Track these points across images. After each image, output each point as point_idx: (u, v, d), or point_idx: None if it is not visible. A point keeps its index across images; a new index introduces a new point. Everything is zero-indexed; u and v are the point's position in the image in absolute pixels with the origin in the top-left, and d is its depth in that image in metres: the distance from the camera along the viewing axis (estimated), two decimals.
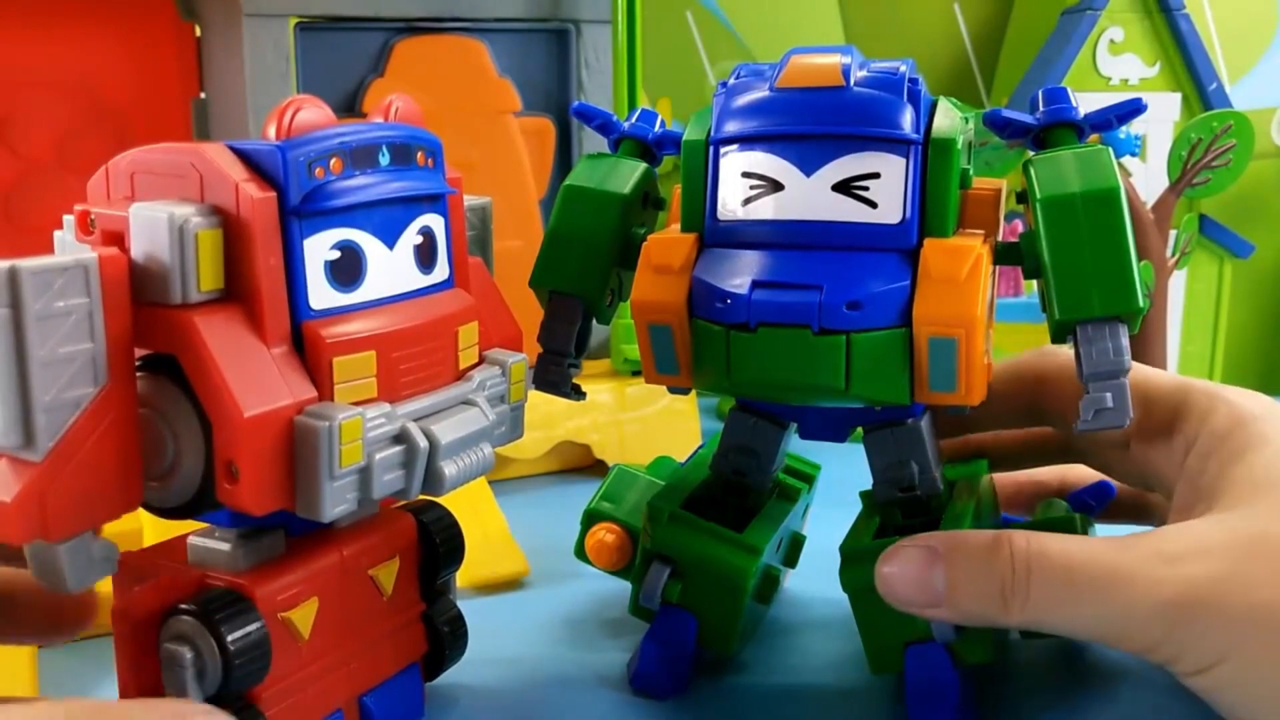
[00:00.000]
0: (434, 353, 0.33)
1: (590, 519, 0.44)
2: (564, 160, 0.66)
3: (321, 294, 0.31)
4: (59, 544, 0.29)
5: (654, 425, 0.63)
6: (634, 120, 0.41)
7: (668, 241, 0.36)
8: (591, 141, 0.65)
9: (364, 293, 0.32)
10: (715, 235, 0.36)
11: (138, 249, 0.29)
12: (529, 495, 0.60)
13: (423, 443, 0.32)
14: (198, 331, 0.29)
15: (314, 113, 0.31)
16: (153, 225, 0.29)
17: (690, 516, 0.40)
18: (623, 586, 0.48)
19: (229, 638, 0.30)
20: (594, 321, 0.40)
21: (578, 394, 0.41)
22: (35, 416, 0.27)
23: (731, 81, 0.36)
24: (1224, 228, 0.74)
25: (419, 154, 0.34)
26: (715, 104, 0.36)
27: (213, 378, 0.29)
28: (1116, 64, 0.72)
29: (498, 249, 0.41)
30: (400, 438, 0.32)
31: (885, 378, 0.34)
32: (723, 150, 0.36)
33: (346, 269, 0.32)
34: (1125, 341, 0.33)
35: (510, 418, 0.36)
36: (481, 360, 0.36)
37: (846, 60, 0.35)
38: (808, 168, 0.34)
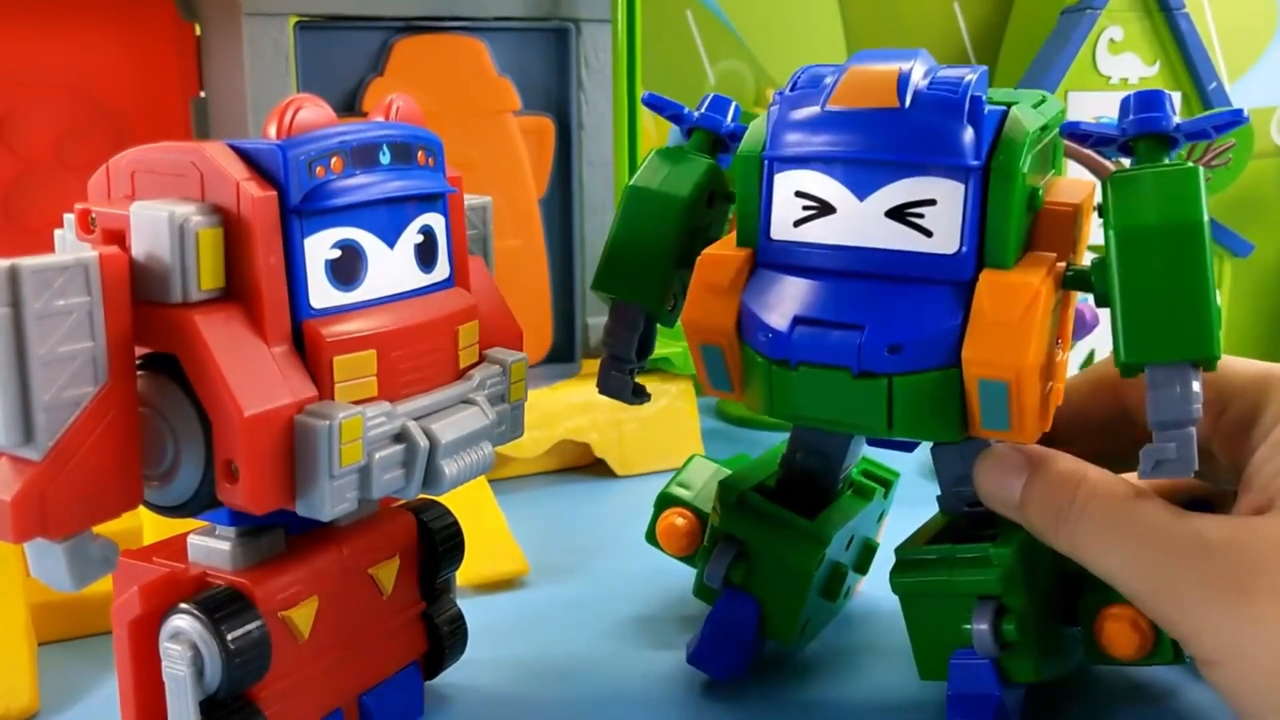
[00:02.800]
0: (434, 352, 0.33)
1: (663, 503, 0.44)
2: (563, 160, 0.66)
3: (322, 293, 0.31)
4: (60, 543, 0.29)
5: (654, 424, 0.63)
6: (704, 109, 0.40)
7: (720, 259, 0.35)
8: (592, 142, 0.65)
9: (364, 292, 0.32)
10: (768, 254, 0.34)
11: (138, 248, 0.29)
12: (529, 494, 0.60)
13: (423, 442, 0.32)
14: (198, 330, 0.29)
15: (314, 112, 0.31)
16: (153, 224, 0.29)
17: (761, 500, 0.40)
18: (622, 586, 0.48)
19: (229, 636, 0.31)
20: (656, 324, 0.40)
21: (641, 397, 0.41)
22: (35, 415, 0.27)
23: (788, 91, 0.34)
24: (1223, 227, 0.74)
25: (420, 153, 0.34)
26: (769, 115, 0.35)
27: (213, 377, 0.29)
28: (1116, 63, 0.72)
29: (498, 249, 0.41)
30: (400, 437, 0.32)
31: (931, 418, 0.32)
32: (776, 166, 0.34)
33: (347, 268, 0.32)
34: (1196, 387, 0.31)
35: (510, 417, 0.36)
36: (481, 359, 0.36)
37: (906, 71, 0.32)
38: (861, 191, 0.32)
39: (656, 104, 0.42)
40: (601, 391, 0.40)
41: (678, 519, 0.43)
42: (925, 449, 0.39)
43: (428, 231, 0.34)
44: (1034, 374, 0.31)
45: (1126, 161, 0.34)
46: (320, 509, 0.30)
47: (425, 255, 0.34)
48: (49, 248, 0.32)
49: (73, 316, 0.28)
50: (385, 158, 0.32)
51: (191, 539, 0.33)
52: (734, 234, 0.36)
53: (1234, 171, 0.71)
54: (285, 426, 0.30)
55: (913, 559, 0.38)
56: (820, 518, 0.40)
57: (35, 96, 0.64)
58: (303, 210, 0.30)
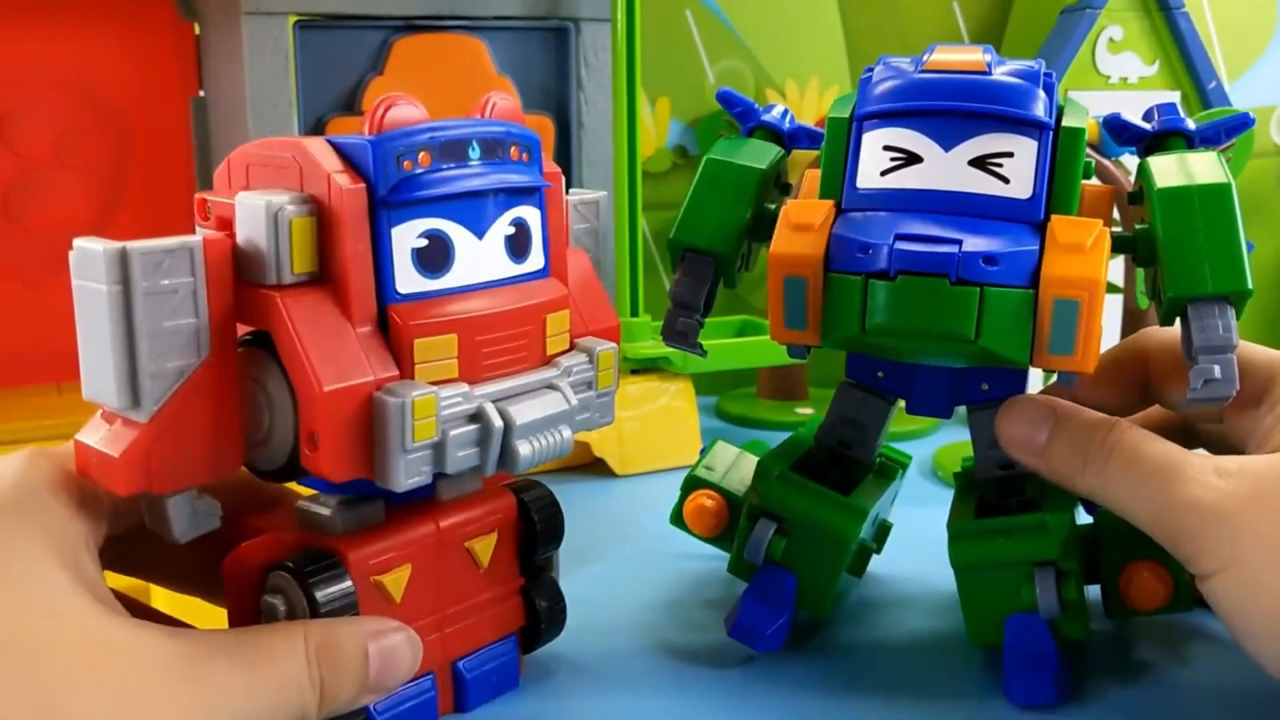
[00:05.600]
0: (519, 338, 0.35)
1: (691, 485, 0.45)
2: (563, 159, 0.66)
3: (408, 279, 0.33)
4: (165, 498, 0.32)
5: (653, 424, 0.64)
6: (771, 115, 0.44)
7: (807, 205, 0.38)
8: (591, 142, 0.65)
9: (451, 279, 0.34)
10: (853, 202, 0.38)
11: (241, 233, 0.32)
12: None
13: (498, 422, 0.33)
14: (285, 311, 0.31)
15: (405, 110, 0.33)
16: (253, 212, 0.32)
17: (799, 477, 0.41)
18: (624, 585, 0.48)
19: (318, 594, 0.33)
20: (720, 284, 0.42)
21: (702, 349, 0.42)
22: (142, 382, 0.30)
23: (877, 69, 0.39)
24: None
25: (513, 149, 0.35)
26: (860, 87, 0.39)
27: (296, 353, 0.31)
28: (1116, 62, 0.72)
29: None
30: (476, 416, 0.33)
31: (1011, 334, 0.35)
32: (866, 126, 0.38)
33: (433, 256, 0.33)
34: (1233, 321, 0.36)
35: (598, 404, 0.37)
36: (572, 347, 0.37)
37: (988, 56, 0.38)
38: (947, 143, 0.37)
39: (729, 100, 0.45)
40: (666, 339, 0.42)
41: (706, 500, 0.45)
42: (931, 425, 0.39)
43: (520, 224, 0.35)
44: (1102, 294, 0.35)
45: (1131, 174, 0.40)
46: (395, 481, 0.32)
47: (517, 246, 0.35)
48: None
49: (178, 295, 0.31)
50: (475, 153, 0.34)
51: (299, 505, 0.35)
52: (814, 192, 0.39)
53: (1234, 171, 0.71)
54: (364, 402, 0.32)
55: (968, 532, 0.40)
56: (856, 492, 0.42)
57: (35, 96, 0.64)
58: (389, 202, 0.32)
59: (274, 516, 0.36)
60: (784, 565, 0.41)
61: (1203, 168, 0.38)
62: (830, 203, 0.38)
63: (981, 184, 0.37)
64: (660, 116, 0.79)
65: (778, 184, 0.43)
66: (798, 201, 0.39)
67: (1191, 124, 0.40)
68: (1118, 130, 0.40)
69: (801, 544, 0.41)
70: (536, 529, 0.39)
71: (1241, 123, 0.40)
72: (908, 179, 0.37)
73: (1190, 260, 0.36)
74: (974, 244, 0.35)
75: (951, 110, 0.37)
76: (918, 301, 0.35)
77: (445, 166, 0.33)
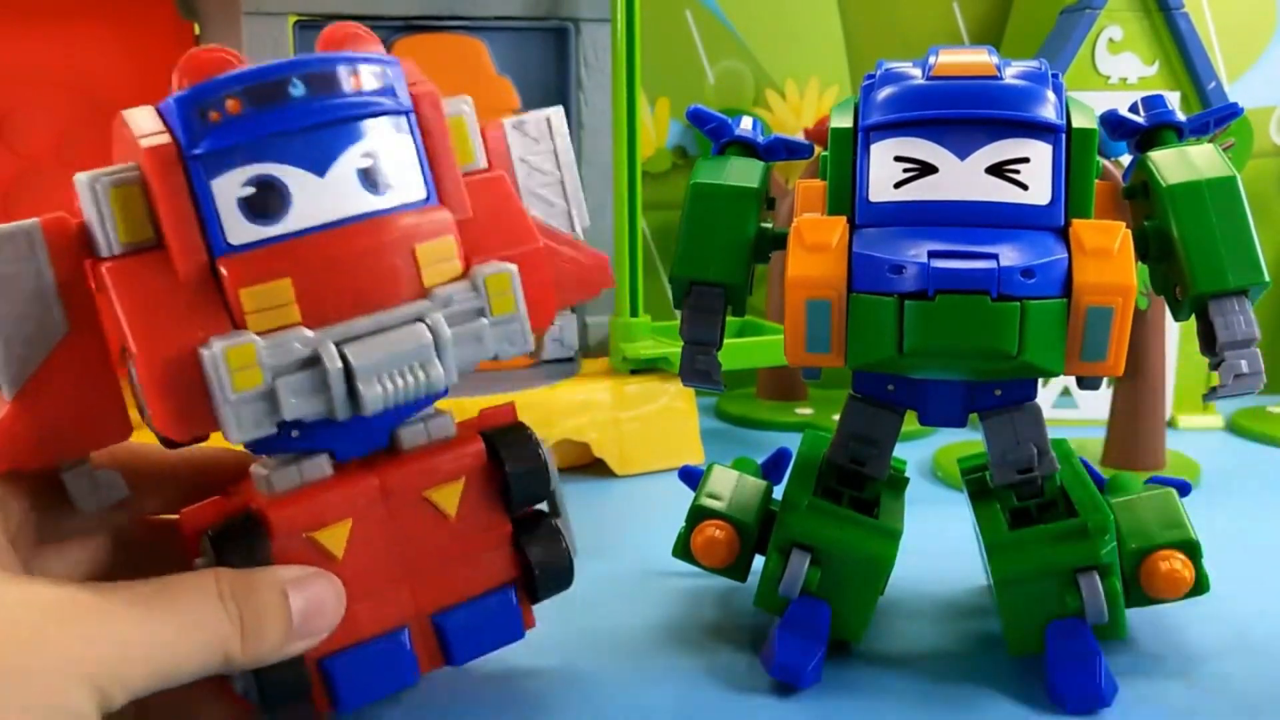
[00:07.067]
0: (379, 273, 0.32)
1: (697, 516, 0.43)
2: None
3: (239, 229, 0.31)
4: (60, 472, 0.32)
5: (653, 424, 0.64)
6: (743, 127, 0.43)
7: (818, 222, 0.37)
8: (591, 142, 0.65)
9: (290, 223, 0.32)
10: (867, 217, 0.37)
11: (84, 211, 0.32)
12: None
13: (334, 364, 0.31)
14: (108, 281, 0.31)
15: (211, 57, 0.32)
16: (79, 189, 0.32)
17: (828, 504, 0.40)
18: (627, 588, 0.48)
19: (229, 558, 0.32)
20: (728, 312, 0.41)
21: (723, 384, 0.41)
22: None
23: (877, 74, 0.38)
24: None
25: (351, 78, 0.32)
26: (862, 95, 0.38)
27: (119, 321, 0.31)
28: (1115, 63, 0.72)
29: None
30: (312, 360, 0.31)
31: (1049, 346, 0.35)
32: (874, 136, 0.37)
33: (264, 203, 0.31)
34: (1252, 314, 0.36)
35: (498, 331, 0.34)
36: (468, 275, 0.34)
37: (995, 59, 0.38)
38: (962, 152, 0.36)
39: (701, 117, 0.43)
40: (686, 380, 0.40)
41: (716, 531, 0.43)
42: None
43: (376, 154, 0.33)
44: (1134, 295, 0.35)
45: (1125, 164, 0.38)
46: (229, 433, 0.31)
47: (374, 179, 0.33)
48: None
49: (20, 278, 0.31)
50: (298, 89, 0.31)
51: (251, 469, 0.35)
52: (805, 215, 0.38)
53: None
54: (190, 359, 0.31)
55: (1007, 544, 0.39)
56: (884, 513, 0.41)
57: (35, 95, 0.64)
58: (199, 155, 0.31)
59: (249, 484, 0.35)
60: (817, 595, 0.40)
61: (1205, 160, 0.37)
62: (843, 219, 0.37)
63: (1001, 192, 0.36)
64: (660, 117, 0.79)
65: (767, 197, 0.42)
66: (808, 218, 0.37)
67: (1180, 115, 0.39)
68: (1114, 126, 0.40)
69: (837, 573, 0.40)
70: (507, 474, 0.36)
71: (1229, 112, 0.40)
72: (924, 190, 0.36)
73: (1211, 256, 0.36)
74: (1009, 257, 0.34)
75: (965, 118, 0.36)
76: (959, 321, 0.34)
77: (259, 110, 0.31)
